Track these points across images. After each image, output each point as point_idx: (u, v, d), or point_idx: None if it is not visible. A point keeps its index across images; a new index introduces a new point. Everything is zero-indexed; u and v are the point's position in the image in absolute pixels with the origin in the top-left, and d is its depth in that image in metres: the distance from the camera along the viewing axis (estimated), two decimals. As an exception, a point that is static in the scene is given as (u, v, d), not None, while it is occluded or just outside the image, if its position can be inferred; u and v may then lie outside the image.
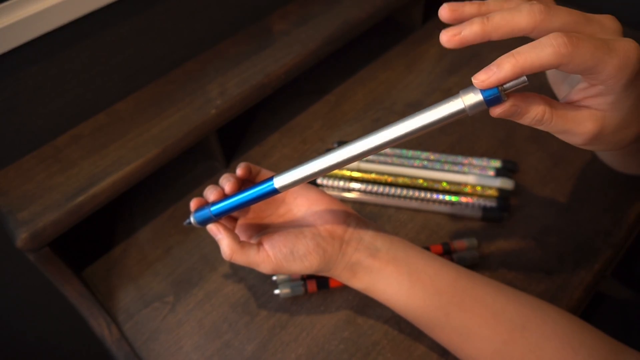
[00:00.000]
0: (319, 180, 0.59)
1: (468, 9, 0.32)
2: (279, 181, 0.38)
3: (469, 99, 0.30)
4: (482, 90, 0.29)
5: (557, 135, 0.33)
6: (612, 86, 0.29)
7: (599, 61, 0.28)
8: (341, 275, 0.42)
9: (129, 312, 0.52)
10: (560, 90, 0.39)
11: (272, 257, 0.41)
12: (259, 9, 0.68)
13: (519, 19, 0.29)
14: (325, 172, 0.36)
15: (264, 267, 0.41)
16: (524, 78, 0.29)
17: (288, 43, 0.63)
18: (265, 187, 0.39)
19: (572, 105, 0.32)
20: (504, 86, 0.29)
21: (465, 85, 0.73)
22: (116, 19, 0.55)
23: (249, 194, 0.40)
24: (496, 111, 0.30)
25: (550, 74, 0.39)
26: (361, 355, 0.46)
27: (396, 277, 0.41)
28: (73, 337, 0.81)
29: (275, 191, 0.38)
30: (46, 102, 0.55)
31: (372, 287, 0.42)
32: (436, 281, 0.40)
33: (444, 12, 0.32)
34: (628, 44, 0.29)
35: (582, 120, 0.31)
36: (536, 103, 0.30)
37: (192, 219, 0.44)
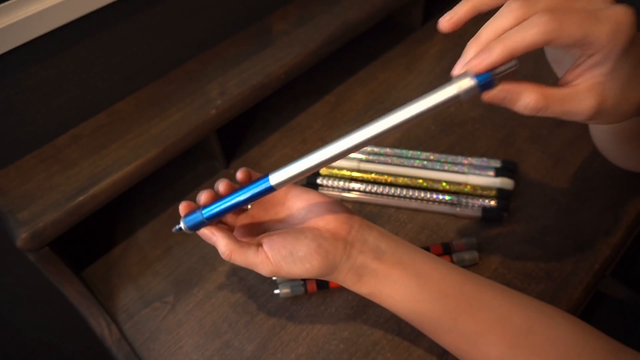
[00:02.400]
0: (319, 180, 0.59)
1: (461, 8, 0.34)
2: (274, 178, 0.36)
3: (463, 84, 0.31)
4: (476, 75, 0.30)
5: (561, 118, 0.33)
6: (608, 54, 0.29)
7: (587, 32, 0.28)
8: (346, 279, 0.40)
9: (129, 312, 0.52)
10: (561, 69, 0.39)
11: (270, 258, 0.39)
12: (259, 9, 0.68)
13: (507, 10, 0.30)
14: (321, 166, 0.35)
15: (263, 269, 0.39)
16: (515, 61, 0.30)
17: (288, 43, 0.63)
18: (261, 185, 0.37)
19: (568, 86, 0.32)
20: (496, 70, 0.30)
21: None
22: (116, 19, 0.55)
23: (243, 193, 0.38)
24: (487, 96, 0.31)
25: (549, 53, 0.39)
26: (361, 355, 0.46)
27: (403, 282, 0.39)
28: (73, 337, 0.81)
29: (271, 189, 0.37)
30: (46, 102, 0.55)
31: (378, 292, 0.40)
32: (443, 285, 0.39)
33: (442, 25, 0.34)
34: (619, 10, 0.29)
35: (581, 97, 0.31)
36: (527, 90, 0.31)
37: (182, 224, 0.41)
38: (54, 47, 0.52)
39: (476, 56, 0.30)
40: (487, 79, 0.30)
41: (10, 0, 0.47)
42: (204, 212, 0.40)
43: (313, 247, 0.39)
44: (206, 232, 0.40)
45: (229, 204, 0.39)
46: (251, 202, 0.39)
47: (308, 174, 0.36)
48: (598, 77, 0.31)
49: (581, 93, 0.31)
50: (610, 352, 0.36)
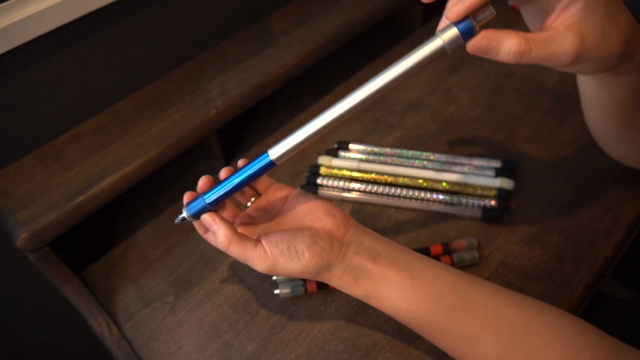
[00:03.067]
0: (319, 180, 0.59)
1: None
2: (273, 152, 0.37)
3: (447, 35, 0.33)
4: (457, 24, 0.32)
5: (543, 63, 0.34)
6: None
7: None
8: (341, 280, 0.41)
9: (129, 312, 0.52)
10: (536, 27, 0.39)
11: (268, 252, 0.39)
12: (259, 9, 0.68)
13: None
14: (317, 135, 0.35)
15: (259, 264, 0.39)
16: (492, 9, 0.32)
17: (288, 43, 0.63)
18: (261, 161, 0.37)
19: (547, 30, 0.33)
20: (476, 19, 0.32)
21: (465, 84, 0.73)
22: (116, 19, 0.55)
23: (244, 172, 0.38)
24: (470, 44, 0.33)
25: (525, 13, 0.39)
26: (361, 355, 0.46)
27: (398, 283, 0.40)
28: (73, 337, 0.81)
29: (271, 164, 0.37)
30: (46, 102, 0.55)
31: (374, 293, 0.40)
32: (438, 286, 0.39)
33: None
34: None
35: (562, 38, 0.32)
36: (509, 35, 0.32)
37: (184, 213, 0.41)
38: (54, 47, 0.52)
39: (453, 5, 0.32)
40: (468, 26, 0.32)
41: (10, 0, 0.47)
42: (206, 197, 0.39)
43: (309, 243, 0.39)
44: (208, 218, 0.40)
45: (231, 185, 0.39)
46: (252, 181, 0.38)
47: (306, 145, 0.36)
48: (575, 17, 0.32)
49: (561, 33, 0.32)
50: (610, 351, 0.36)
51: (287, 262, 0.39)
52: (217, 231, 0.39)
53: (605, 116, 0.46)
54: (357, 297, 0.41)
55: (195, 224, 0.43)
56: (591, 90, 0.43)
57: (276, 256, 0.39)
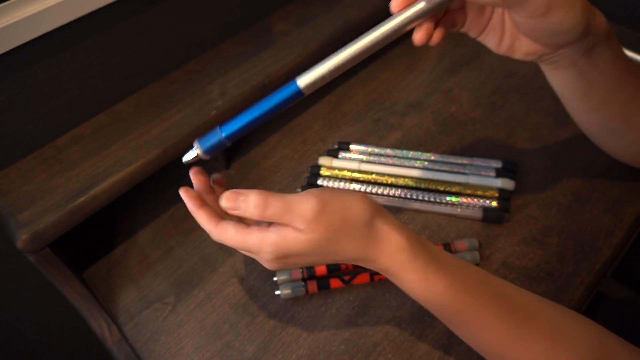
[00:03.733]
0: (319, 182, 0.59)
1: None
2: (303, 80, 0.33)
3: None
4: None
5: (514, 12, 0.35)
6: None
7: None
8: (391, 229, 0.36)
9: (130, 313, 0.52)
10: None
11: (315, 194, 0.35)
12: (259, 9, 0.68)
13: None
14: (348, 64, 0.34)
15: (306, 206, 0.34)
16: None
17: (288, 43, 0.63)
18: (288, 90, 0.33)
19: None
20: None
21: (466, 85, 0.73)
22: (116, 19, 0.55)
23: (269, 101, 0.34)
24: None
25: None
26: (362, 356, 0.46)
27: (426, 263, 0.37)
28: (73, 338, 0.81)
29: (299, 94, 0.33)
30: (46, 102, 0.54)
31: (404, 267, 0.36)
32: (463, 272, 0.38)
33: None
34: None
35: None
36: None
37: (196, 147, 0.35)
38: (54, 47, 0.52)
39: None
40: None
41: (10, 0, 0.47)
42: (222, 129, 0.35)
43: (357, 193, 0.37)
44: (229, 194, 0.36)
45: (252, 116, 0.34)
46: (277, 112, 0.34)
47: (336, 74, 0.34)
48: None
49: None
50: (630, 349, 0.37)
51: (340, 198, 0.36)
52: (247, 195, 0.36)
53: (590, 108, 0.46)
54: (381, 265, 0.37)
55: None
56: (569, 83, 0.43)
57: (326, 195, 0.35)
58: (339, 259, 0.37)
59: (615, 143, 0.50)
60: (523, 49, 0.40)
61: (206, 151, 0.35)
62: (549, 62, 0.41)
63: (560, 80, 0.44)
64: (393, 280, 0.39)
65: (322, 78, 0.33)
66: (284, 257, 0.36)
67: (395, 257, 0.37)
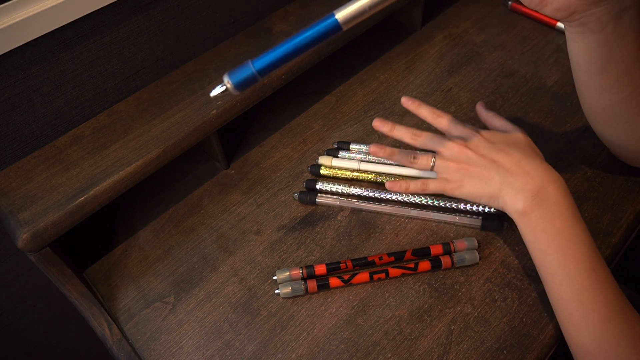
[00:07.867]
0: (318, 185, 0.59)
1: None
2: (341, 13, 0.32)
3: None
4: None
5: None
6: None
7: None
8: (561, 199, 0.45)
9: (130, 312, 0.52)
10: None
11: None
12: (259, 9, 0.68)
13: None
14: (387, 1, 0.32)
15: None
16: None
17: (288, 43, 0.63)
18: (325, 23, 0.32)
19: None
20: None
21: (465, 85, 0.73)
22: (116, 20, 0.55)
23: (304, 35, 0.32)
24: None
25: None
26: (361, 355, 0.46)
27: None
28: (74, 337, 0.81)
29: (337, 28, 0.32)
30: (47, 102, 0.55)
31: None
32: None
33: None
34: None
35: None
36: None
37: (226, 81, 0.33)
38: (54, 47, 0.52)
39: None
40: None
41: (10, 1, 0.47)
42: (254, 63, 0.33)
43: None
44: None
45: (287, 50, 0.33)
46: (312, 47, 0.33)
47: (377, 9, 0.32)
48: None
49: None
50: None
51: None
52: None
53: (603, 86, 0.45)
54: (515, 206, 0.47)
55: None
56: (591, 51, 0.43)
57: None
58: (526, 169, 0.46)
59: (618, 131, 0.50)
60: (556, 3, 0.38)
61: (237, 85, 0.33)
62: (578, 23, 0.40)
63: (583, 48, 0.43)
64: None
65: (363, 11, 0.32)
66: (498, 142, 0.48)
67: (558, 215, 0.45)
